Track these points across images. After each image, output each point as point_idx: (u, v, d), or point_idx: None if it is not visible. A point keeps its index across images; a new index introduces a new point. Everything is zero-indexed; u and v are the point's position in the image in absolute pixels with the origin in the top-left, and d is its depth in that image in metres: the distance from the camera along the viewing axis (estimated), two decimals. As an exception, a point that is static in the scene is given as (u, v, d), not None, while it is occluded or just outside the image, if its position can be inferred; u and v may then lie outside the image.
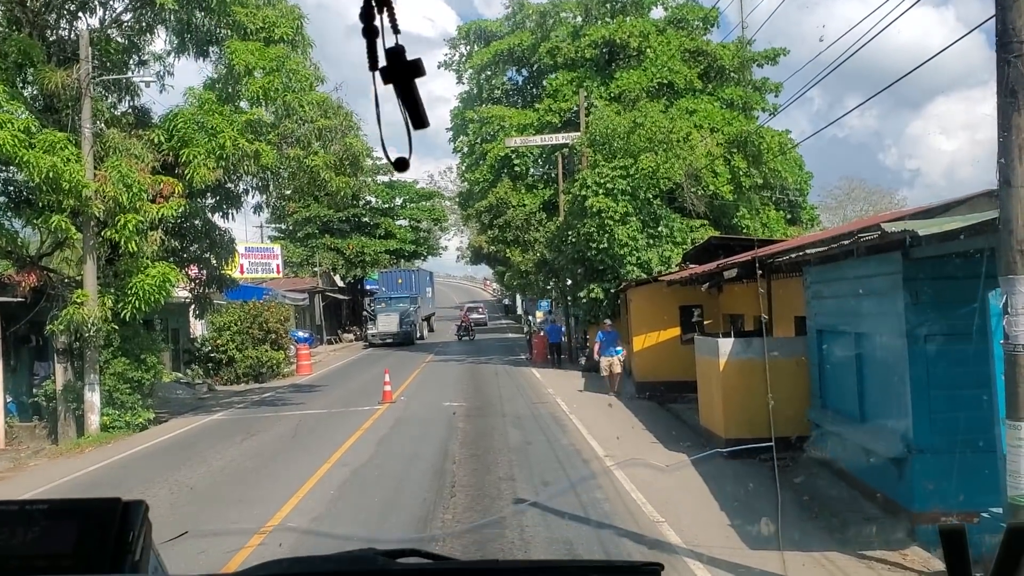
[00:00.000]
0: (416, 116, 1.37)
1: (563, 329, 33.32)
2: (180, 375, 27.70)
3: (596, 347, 21.77)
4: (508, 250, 33.57)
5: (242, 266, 35.77)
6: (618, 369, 20.92)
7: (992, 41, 5.88)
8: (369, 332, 46.05)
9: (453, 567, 1.61)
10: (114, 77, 18.28)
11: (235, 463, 14.05)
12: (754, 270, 13.64)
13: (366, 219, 54.02)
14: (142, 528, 1.14)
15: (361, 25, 1.31)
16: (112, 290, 17.28)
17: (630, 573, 1.44)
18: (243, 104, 18.59)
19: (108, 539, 1.09)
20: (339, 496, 11.01)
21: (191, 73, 69.40)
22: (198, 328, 31.16)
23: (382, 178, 54.88)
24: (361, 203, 51.71)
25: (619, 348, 21.12)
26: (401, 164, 1.45)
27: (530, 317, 45.21)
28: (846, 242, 8.55)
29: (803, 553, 7.83)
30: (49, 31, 18.10)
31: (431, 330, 55.64)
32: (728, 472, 11.64)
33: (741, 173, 25.95)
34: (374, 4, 1.30)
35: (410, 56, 1.33)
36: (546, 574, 1.54)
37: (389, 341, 43.91)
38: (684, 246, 23.90)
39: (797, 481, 10.45)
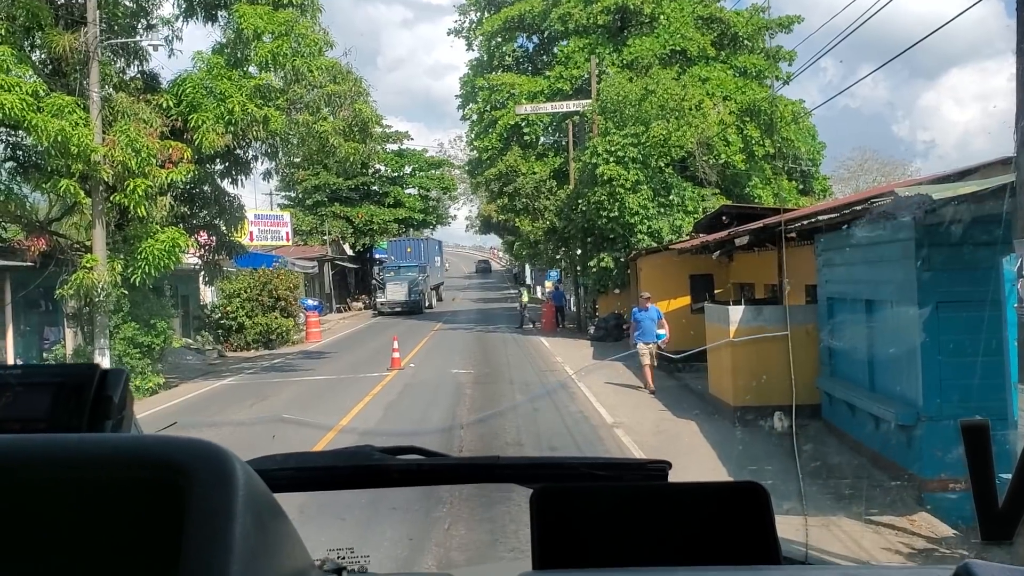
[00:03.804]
0: None
1: (565, 295, 35.07)
2: (190, 341, 27.82)
3: (631, 329, 18.10)
4: (517, 219, 33.46)
5: (252, 233, 35.81)
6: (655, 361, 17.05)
7: (1009, 9, 5.76)
8: (378, 300, 46.03)
9: (452, 462, 1.57)
10: (122, 41, 18.15)
11: (245, 427, 14.12)
12: (765, 239, 13.59)
13: (375, 187, 53.83)
14: (123, 395, 1.11)
15: None
16: (121, 255, 17.28)
17: (637, 470, 1.40)
18: (252, 69, 18.42)
19: (84, 404, 1.06)
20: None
21: (199, 38, 69.12)
22: (208, 295, 31.25)
23: (391, 146, 54.64)
24: (370, 171, 51.48)
25: (663, 331, 17.10)
26: None
27: (520, 288, 46.02)
28: (859, 208, 8.48)
29: (811, 518, 7.83)
30: (57, -6, 17.97)
31: (440, 299, 55.62)
32: (736, 439, 11.66)
33: (753, 142, 25.72)
34: None
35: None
36: (549, 470, 1.49)
37: (398, 310, 43.88)
38: (695, 215, 23.76)
39: (806, 448, 10.46)
